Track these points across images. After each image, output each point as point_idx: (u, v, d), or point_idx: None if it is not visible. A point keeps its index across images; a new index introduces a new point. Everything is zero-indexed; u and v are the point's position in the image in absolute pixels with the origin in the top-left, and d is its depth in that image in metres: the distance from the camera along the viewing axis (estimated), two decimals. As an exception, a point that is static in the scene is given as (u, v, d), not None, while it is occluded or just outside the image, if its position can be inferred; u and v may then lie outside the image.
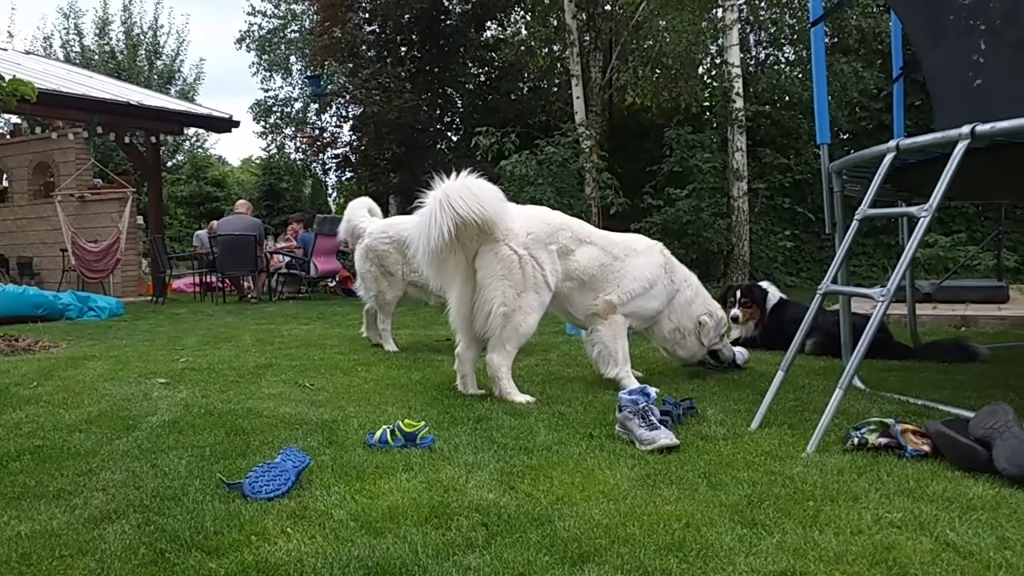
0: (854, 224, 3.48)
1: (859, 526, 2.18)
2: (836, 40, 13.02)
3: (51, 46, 25.76)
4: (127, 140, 13.07)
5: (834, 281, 3.46)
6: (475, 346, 4.06)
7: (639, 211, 11.11)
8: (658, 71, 12.36)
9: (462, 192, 3.69)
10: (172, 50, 26.65)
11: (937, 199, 3.07)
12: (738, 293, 5.82)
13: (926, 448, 2.80)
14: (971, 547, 2.03)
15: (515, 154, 11.16)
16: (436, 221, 3.66)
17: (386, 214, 13.79)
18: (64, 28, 25.81)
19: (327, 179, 18.23)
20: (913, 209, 3.18)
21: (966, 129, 3.06)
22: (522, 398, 3.85)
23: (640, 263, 4.27)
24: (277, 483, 2.49)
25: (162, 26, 27.17)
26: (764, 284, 6.00)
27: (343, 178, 18.05)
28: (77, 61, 23.68)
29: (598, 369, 4.25)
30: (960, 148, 3.07)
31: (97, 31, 25.76)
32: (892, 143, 3.49)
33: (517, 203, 9.87)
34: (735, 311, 5.64)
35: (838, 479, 2.57)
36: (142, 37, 26.11)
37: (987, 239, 10.06)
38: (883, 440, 2.88)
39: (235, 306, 10.70)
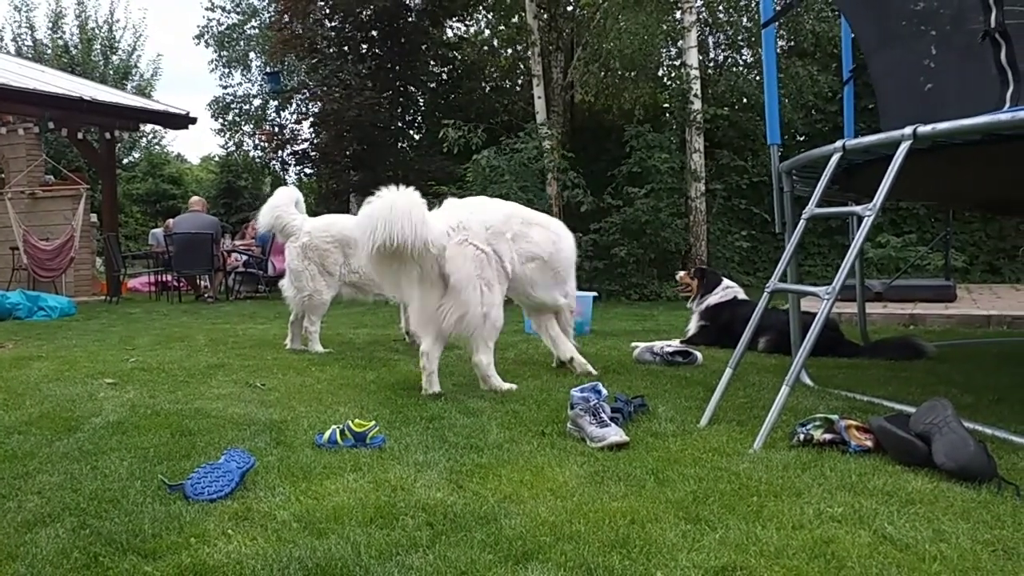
0: (801, 223, 3.54)
1: (801, 521, 2.21)
2: (792, 43, 13.21)
3: (2, 40, 25.11)
4: (80, 136, 12.75)
5: (782, 279, 3.51)
6: (441, 342, 4.09)
7: (600, 210, 11.16)
8: (605, 72, 12.43)
9: (380, 231, 3.64)
10: (128, 45, 26.13)
11: (881, 198, 3.12)
12: (694, 269, 6.57)
13: (869, 443, 2.85)
14: (908, 540, 2.07)
15: (484, 149, 11.13)
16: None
17: (347, 212, 13.67)
18: (15, 21, 25.19)
19: (287, 176, 18.00)
20: (858, 208, 3.23)
21: (908, 130, 3.12)
22: (507, 386, 4.06)
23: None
24: (220, 484, 2.45)
25: (118, 20, 26.54)
26: (732, 285, 6.01)
27: (303, 175, 17.86)
28: (29, 55, 23.07)
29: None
30: (903, 149, 3.12)
31: (50, 25, 25.16)
32: (839, 143, 3.55)
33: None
34: (680, 273, 6.49)
35: (783, 475, 2.60)
36: (97, 31, 25.52)
37: (936, 240, 10.29)
38: (828, 436, 2.92)
39: (191, 305, 10.52)
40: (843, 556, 1.98)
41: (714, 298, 5.86)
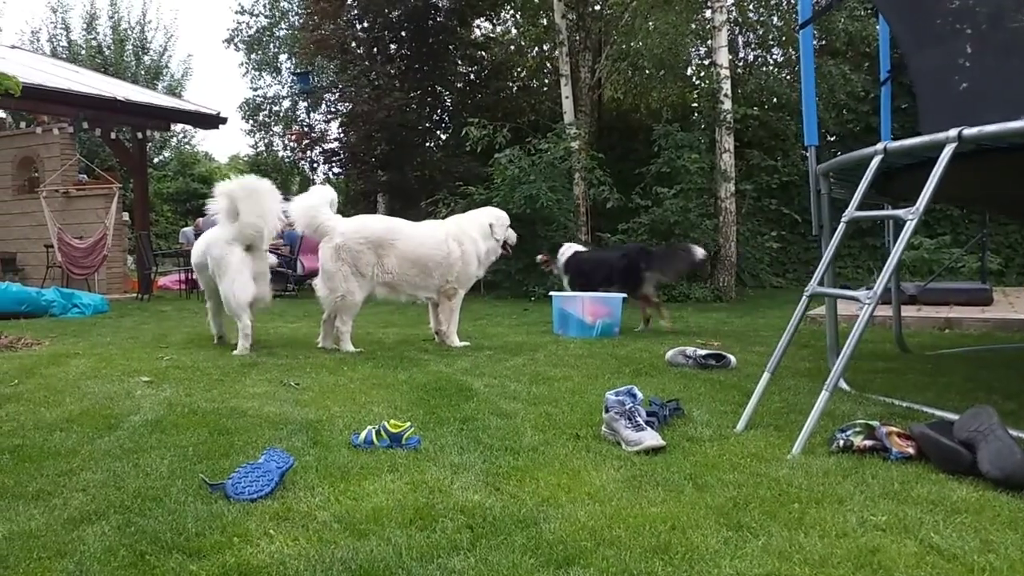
0: (841, 226, 3.49)
1: (844, 529, 2.18)
2: (824, 43, 13.07)
3: (38, 40, 25.59)
4: (113, 136, 12.96)
5: (821, 283, 3.47)
6: None
7: (628, 210, 11.11)
8: (633, 71, 12.36)
9: None
10: (160, 46, 26.56)
11: (924, 202, 3.07)
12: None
13: (911, 450, 2.81)
14: (955, 550, 2.04)
15: (507, 148, 11.13)
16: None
17: (375, 212, 13.70)
18: (51, 22, 25.65)
19: (315, 176, 18.13)
20: (900, 212, 3.18)
21: (953, 132, 3.07)
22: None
23: None
24: (260, 484, 2.47)
25: (150, 21, 27.11)
26: (571, 246, 7.58)
27: (331, 175, 17.97)
28: (64, 56, 23.48)
29: None
30: (947, 151, 3.07)
31: (84, 26, 25.60)
32: (880, 146, 3.50)
33: (509, 200, 10.20)
34: (539, 258, 8.01)
35: (823, 481, 2.57)
36: (129, 32, 25.95)
37: (971, 242, 10.13)
38: (868, 442, 2.88)
39: (221, 304, 10.61)
40: (890, 566, 1.95)
41: (562, 259, 7.38)
